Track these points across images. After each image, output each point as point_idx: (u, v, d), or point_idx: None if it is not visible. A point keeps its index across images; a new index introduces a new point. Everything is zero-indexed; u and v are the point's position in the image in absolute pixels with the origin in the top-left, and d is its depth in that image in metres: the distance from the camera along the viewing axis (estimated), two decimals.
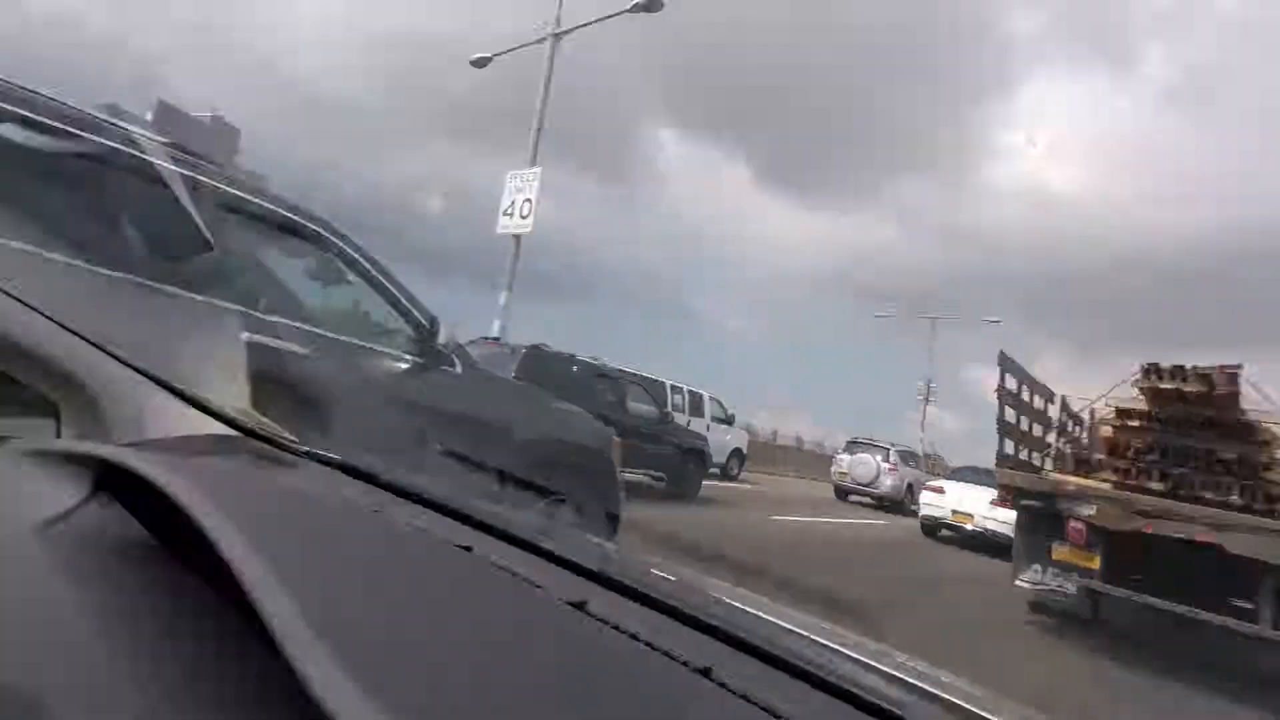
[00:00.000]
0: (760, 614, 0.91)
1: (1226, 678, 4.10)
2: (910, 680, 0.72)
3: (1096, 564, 4.62)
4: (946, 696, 0.71)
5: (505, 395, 3.41)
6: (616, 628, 0.61)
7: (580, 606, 0.63)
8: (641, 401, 9.49)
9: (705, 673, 0.55)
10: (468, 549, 0.74)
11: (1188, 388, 5.03)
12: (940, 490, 10.22)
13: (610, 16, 11.30)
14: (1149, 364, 5.26)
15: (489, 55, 12.65)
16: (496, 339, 9.03)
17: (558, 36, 11.66)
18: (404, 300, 2.62)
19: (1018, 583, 5.11)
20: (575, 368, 8.00)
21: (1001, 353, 5.58)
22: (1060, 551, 4.77)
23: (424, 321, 2.60)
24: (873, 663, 0.73)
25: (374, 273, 2.58)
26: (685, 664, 0.55)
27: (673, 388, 11.73)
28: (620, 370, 9.49)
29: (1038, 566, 4.96)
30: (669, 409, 10.79)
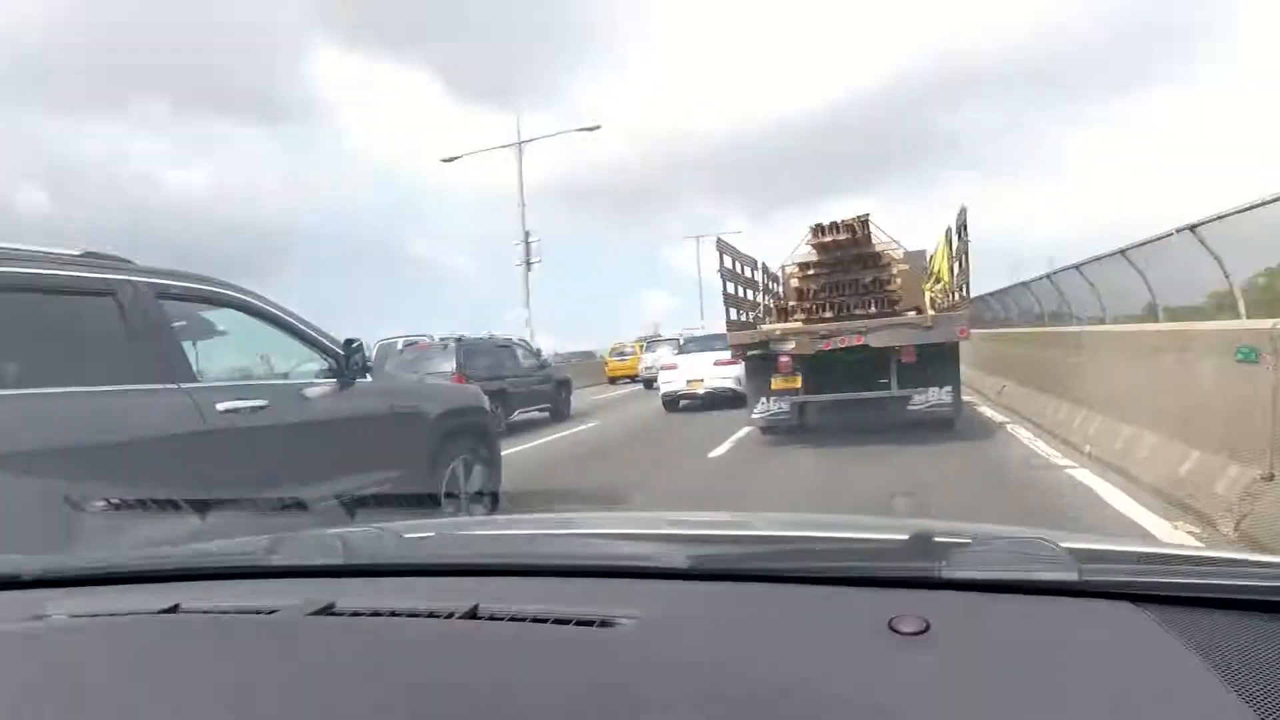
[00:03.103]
0: (540, 531, 1.15)
1: (877, 425, 6.68)
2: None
3: (799, 384, 6.64)
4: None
5: (408, 389, 4.11)
6: (374, 614, 0.64)
7: (328, 610, 0.65)
8: (527, 357, 12.07)
9: (472, 613, 0.62)
10: (172, 610, 0.69)
11: (839, 237, 7.17)
12: (674, 367, 11.55)
13: None
14: (815, 225, 7.24)
15: None
16: (423, 338, 11.86)
17: None
18: (314, 334, 3.07)
19: (752, 415, 7.10)
20: (493, 344, 11.14)
21: (719, 239, 7.34)
22: (776, 382, 6.67)
23: (336, 349, 3.11)
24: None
25: (285, 318, 3.01)
26: (449, 615, 0.62)
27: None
28: (507, 339, 12.72)
29: (763, 399, 6.92)
30: (542, 357, 13.92)
